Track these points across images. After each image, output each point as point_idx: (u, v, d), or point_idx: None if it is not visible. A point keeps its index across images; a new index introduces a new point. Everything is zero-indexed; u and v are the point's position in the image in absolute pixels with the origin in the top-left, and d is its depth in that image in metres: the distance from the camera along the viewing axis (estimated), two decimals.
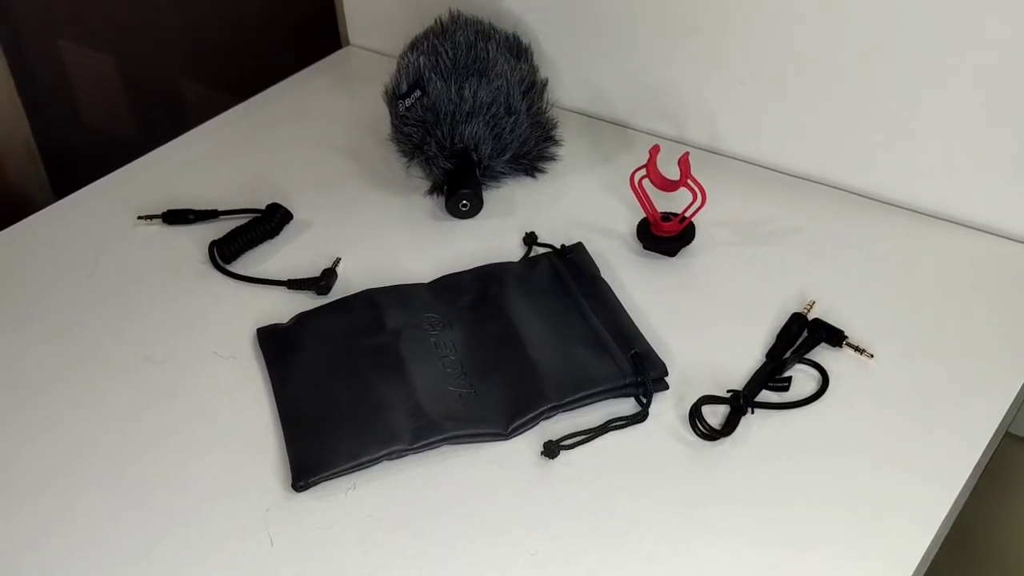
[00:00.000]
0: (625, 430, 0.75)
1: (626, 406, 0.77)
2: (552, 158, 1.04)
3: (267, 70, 1.22)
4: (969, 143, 0.90)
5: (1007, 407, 0.76)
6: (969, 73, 0.87)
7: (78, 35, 1.10)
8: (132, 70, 1.16)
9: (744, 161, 1.04)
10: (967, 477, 0.71)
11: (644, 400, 0.77)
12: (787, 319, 0.83)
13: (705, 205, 0.89)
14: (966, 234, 0.93)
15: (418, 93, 0.98)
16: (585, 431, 0.75)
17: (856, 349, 0.80)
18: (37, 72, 1.08)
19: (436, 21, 1.05)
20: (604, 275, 0.88)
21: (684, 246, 0.91)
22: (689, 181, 0.88)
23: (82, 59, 1.12)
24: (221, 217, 0.98)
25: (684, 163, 0.88)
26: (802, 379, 0.79)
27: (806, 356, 0.80)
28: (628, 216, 0.96)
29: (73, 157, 1.13)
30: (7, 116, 1.05)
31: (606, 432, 0.75)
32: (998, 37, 0.84)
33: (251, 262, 0.93)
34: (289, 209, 0.97)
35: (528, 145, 1.01)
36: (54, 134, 1.11)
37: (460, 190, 0.96)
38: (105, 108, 1.16)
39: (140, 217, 0.98)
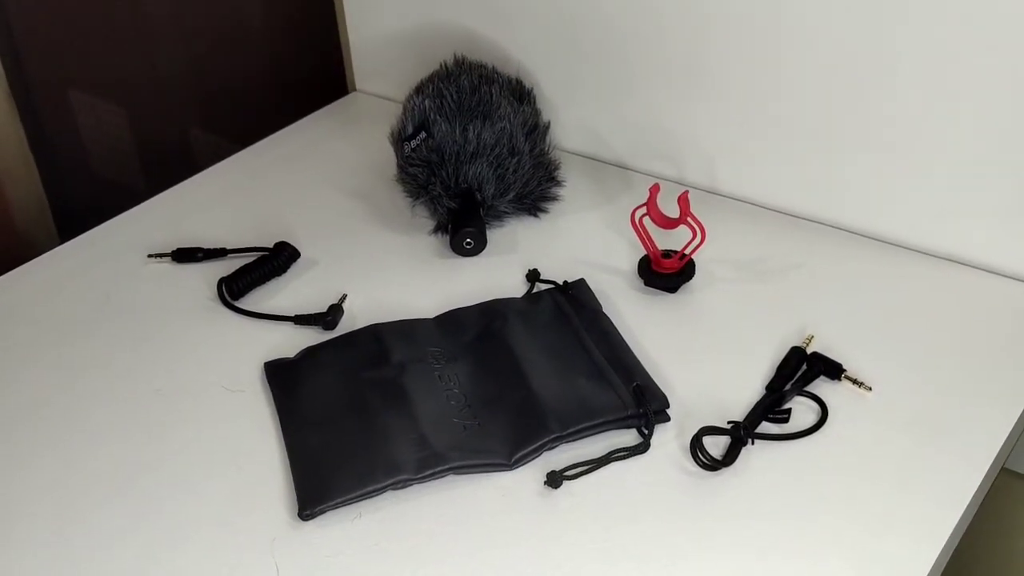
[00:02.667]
0: (627, 461, 0.76)
1: (628, 437, 0.78)
2: (554, 198, 1.06)
3: (275, 119, 1.24)
4: (966, 181, 0.92)
5: (1003, 441, 0.77)
6: (964, 114, 0.89)
7: (88, 85, 1.11)
8: (142, 120, 1.17)
9: (742, 201, 1.06)
10: (964, 508, 0.72)
11: (646, 431, 0.77)
12: (786, 353, 0.84)
13: (705, 242, 0.90)
14: (962, 271, 0.94)
15: (423, 135, 1.00)
16: (588, 462, 0.76)
17: (854, 382, 0.81)
18: (47, 121, 1.09)
19: (441, 66, 1.07)
20: (606, 310, 0.89)
21: (684, 282, 0.93)
22: (689, 219, 0.90)
23: (92, 109, 1.13)
24: (229, 255, 0.99)
25: (684, 201, 0.90)
26: (801, 411, 0.80)
27: (805, 389, 0.81)
28: (629, 253, 0.98)
29: (82, 206, 1.14)
30: (17, 164, 1.07)
31: (608, 463, 0.76)
32: (1000, 79, 0.86)
33: (259, 298, 0.95)
34: (296, 247, 0.98)
35: (531, 185, 1.03)
36: (63, 183, 1.12)
37: (464, 228, 0.98)
38: (114, 158, 1.17)
39: (151, 255, 0.99)
